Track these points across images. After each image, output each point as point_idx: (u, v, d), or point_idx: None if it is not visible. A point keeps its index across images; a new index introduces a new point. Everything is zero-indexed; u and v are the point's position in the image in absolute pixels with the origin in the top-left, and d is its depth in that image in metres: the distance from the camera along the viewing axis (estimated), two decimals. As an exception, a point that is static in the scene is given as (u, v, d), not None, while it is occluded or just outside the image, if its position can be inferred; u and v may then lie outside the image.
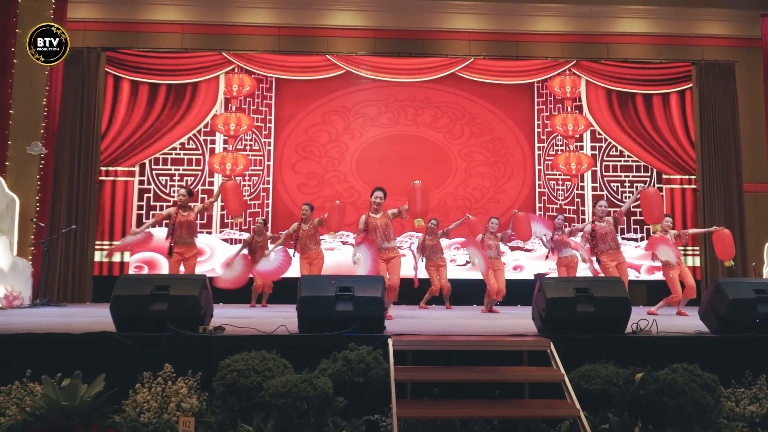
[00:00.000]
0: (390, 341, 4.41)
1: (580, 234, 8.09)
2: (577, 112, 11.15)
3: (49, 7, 9.92)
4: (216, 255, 10.29)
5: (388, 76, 10.98)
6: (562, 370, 4.29)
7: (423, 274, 8.94)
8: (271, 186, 10.66)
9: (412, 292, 8.89)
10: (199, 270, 7.84)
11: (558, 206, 10.82)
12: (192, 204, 7.41)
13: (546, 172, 10.96)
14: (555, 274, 8.85)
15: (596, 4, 11.12)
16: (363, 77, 10.98)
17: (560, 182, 10.97)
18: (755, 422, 4.36)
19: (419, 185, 6.71)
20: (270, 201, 10.59)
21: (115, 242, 10.30)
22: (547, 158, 11.01)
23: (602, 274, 7.66)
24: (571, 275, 8.52)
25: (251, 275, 8.66)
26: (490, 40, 11.28)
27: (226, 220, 10.45)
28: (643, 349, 4.66)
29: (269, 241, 8.98)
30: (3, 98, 9.55)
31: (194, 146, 10.66)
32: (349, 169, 10.71)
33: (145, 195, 10.48)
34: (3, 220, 8.98)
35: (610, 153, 11.09)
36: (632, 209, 9.86)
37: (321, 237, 8.29)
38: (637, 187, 10.89)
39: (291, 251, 8.31)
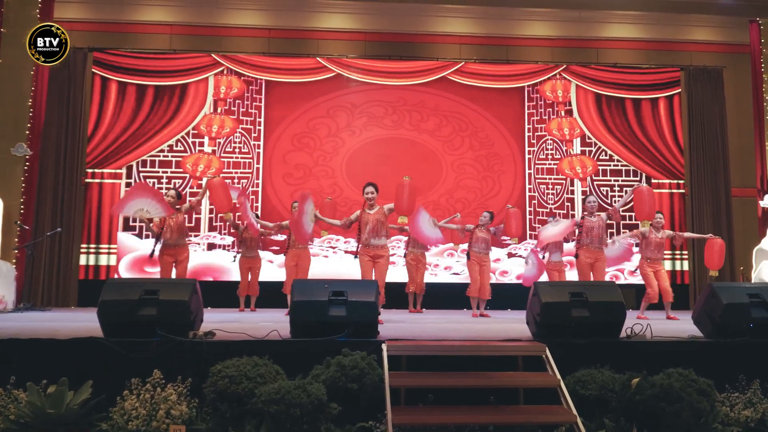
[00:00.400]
0: (384, 346, 4.36)
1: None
2: (568, 116, 11.15)
3: (35, 7, 9.80)
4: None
5: (378, 79, 10.94)
6: (558, 376, 4.26)
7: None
8: (260, 188, 10.57)
9: (402, 296, 8.85)
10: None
11: (548, 210, 10.81)
12: (179, 206, 7.36)
13: (536, 176, 10.96)
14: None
15: (586, 9, 11.13)
16: (353, 80, 10.92)
17: (550, 186, 10.97)
18: (750, 427, 4.35)
19: (408, 181, 6.68)
20: (259, 204, 10.50)
21: (102, 245, 10.16)
22: (537, 162, 11.00)
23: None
24: (562, 279, 8.54)
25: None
26: (480, 44, 11.26)
27: (214, 224, 10.33)
28: (638, 354, 4.64)
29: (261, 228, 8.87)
30: (-13, 98, 9.43)
31: (183, 148, 10.55)
32: (339, 171, 10.65)
33: (132, 197, 10.33)
34: (-14, 223, 8.84)
35: (600, 157, 11.10)
36: (624, 212, 9.94)
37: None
38: (626, 191, 10.91)
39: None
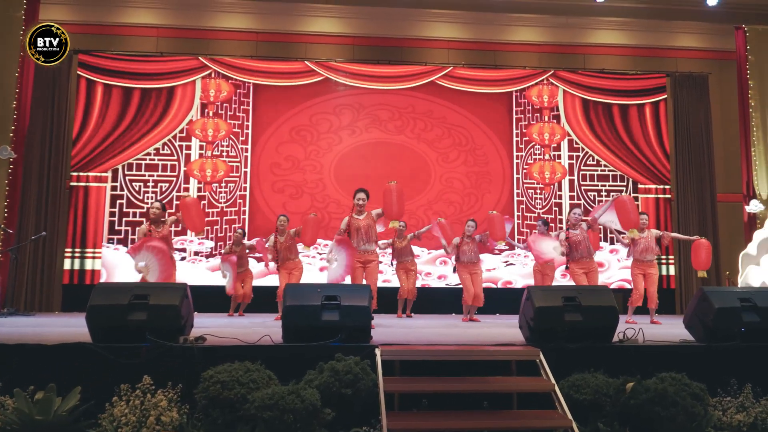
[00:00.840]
0: (377, 351, 4.32)
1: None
2: (555, 121, 11.20)
3: (20, 8, 9.68)
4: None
5: (366, 84, 10.91)
6: (553, 380, 4.25)
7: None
8: (248, 192, 10.49)
9: (390, 300, 8.82)
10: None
11: (536, 214, 10.84)
12: (163, 219, 7.26)
13: (524, 181, 10.98)
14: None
15: (573, 15, 11.17)
16: (342, 84, 10.88)
17: (538, 191, 11.00)
18: (743, 431, 4.36)
19: (394, 186, 6.67)
20: (247, 208, 10.43)
21: (87, 249, 10.03)
22: (525, 167, 11.03)
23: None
24: (547, 283, 8.56)
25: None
26: (468, 49, 11.28)
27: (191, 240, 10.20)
28: (630, 358, 4.65)
29: (247, 251, 8.88)
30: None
31: (169, 152, 10.44)
32: (327, 175, 10.60)
33: (118, 201, 10.22)
34: (-31, 227, 8.70)
35: (587, 162, 11.15)
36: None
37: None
38: (613, 195, 10.97)
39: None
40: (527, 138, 11.10)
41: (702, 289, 5.12)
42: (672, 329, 6.33)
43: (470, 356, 4.49)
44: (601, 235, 10.54)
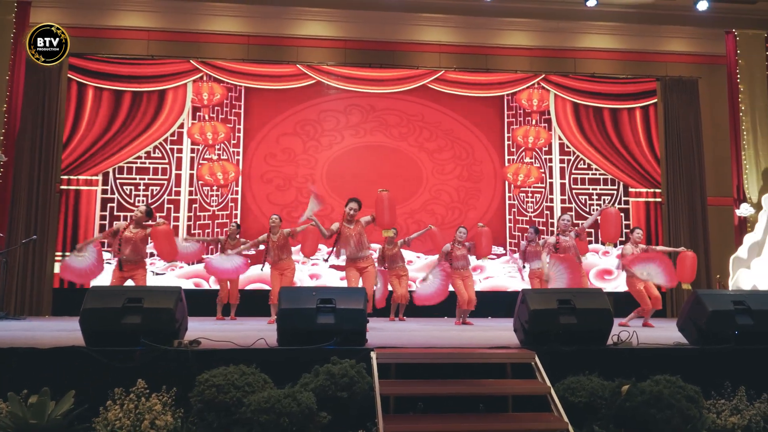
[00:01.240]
0: (373, 354, 4.32)
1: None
2: (544, 125, 11.23)
3: (11, 11, 9.62)
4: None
5: (358, 87, 10.91)
6: (548, 383, 4.25)
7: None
8: (239, 196, 10.47)
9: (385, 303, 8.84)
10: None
11: (528, 218, 10.87)
12: (146, 223, 7.13)
13: (516, 185, 11.01)
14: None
15: (564, 20, 11.23)
16: (333, 87, 10.88)
17: (530, 194, 11.04)
18: (737, 433, 4.38)
19: (385, 194, 6.70)
20: (239, 211, 10.40)
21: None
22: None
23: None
24: (543, 287, 8.57)
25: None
26: (460, 53, 11.31)
27: (193, 229, 10.20)
28: (625, 361, 4.66)
29: (241, 245, 8.81)
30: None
31: (160, 155, 10.40)
32: (319, 179, 10.59)
33: (109, 205, 10.16)
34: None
35: (578, 166, 11.20)
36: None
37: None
38: (604, 199, 11.05)
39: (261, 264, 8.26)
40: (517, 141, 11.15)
41: (696, 291, 5.14)
42: (665, 332, 6.36)
43: (466, 359, 4.49)
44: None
